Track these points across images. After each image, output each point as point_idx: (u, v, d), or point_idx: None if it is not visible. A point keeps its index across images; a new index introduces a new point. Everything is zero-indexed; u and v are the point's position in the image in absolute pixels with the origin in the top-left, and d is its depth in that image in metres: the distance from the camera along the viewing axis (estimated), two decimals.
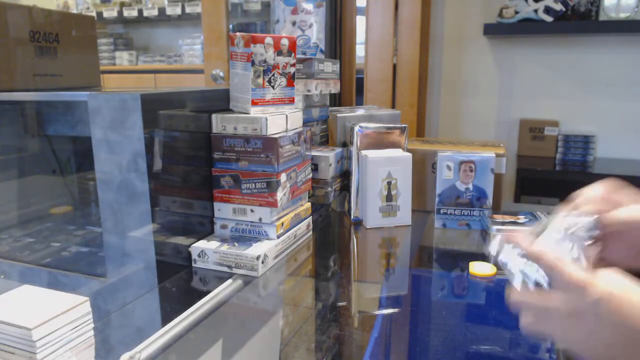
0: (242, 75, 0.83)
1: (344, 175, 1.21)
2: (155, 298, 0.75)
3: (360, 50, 2.07)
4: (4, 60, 0.96)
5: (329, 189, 1.12)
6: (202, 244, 0.82)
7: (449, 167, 0.99)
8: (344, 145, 1.22)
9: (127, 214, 0.75)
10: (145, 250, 0.75)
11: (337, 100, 2.04)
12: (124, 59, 3.58)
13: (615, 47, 2.04)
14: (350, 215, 1.07)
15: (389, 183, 1.01)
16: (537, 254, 0.48)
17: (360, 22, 2.02)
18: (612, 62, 2.05)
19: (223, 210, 0.86)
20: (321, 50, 1.17)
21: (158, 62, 3.51)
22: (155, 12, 3.39)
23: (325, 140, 1.28)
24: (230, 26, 2.41)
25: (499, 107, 2.25)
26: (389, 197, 1.01)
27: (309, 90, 1.10)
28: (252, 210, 0.84)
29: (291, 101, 0.90)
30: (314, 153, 1.10)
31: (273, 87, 0.85)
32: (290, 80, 0.88)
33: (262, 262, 0.79)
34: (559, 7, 1.94)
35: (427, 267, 0.91)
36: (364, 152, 1.02)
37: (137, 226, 0.75)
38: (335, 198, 1.17)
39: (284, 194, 0.84)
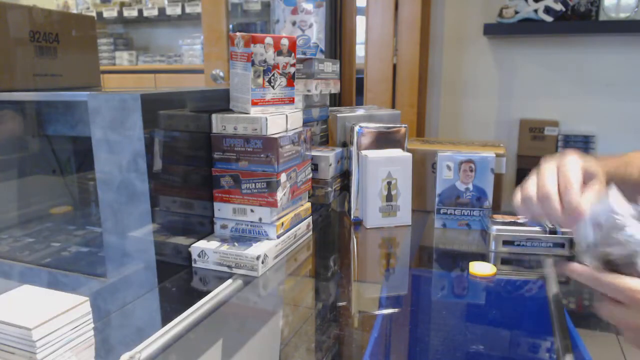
0: (242, 75, 0.83)
1: (344, 175, 1.21)
2: (155, 298, 0.75)
3: (360, 50, 2.07)
4: (4, 60, 0.96)
5: (329, 189, 1.12)
6: (202, 244, 0.82)
7: (449, 167, 0.99)
8: (344, 145, 1.22)
9: (127, 214, 0.75)
10: (145, 250, 0.75)
11: (337, 100, 2.03)
12: (124, 59, 3.58)
13: (615, 47, 2.04)
14: (350, 215, 1.07)
15: (389, 183, 1.01)
16: (595, 280, 0.49)
17: (360, 22, 2.02)
18: (612, 62, 2.05)
19: (223, 210, 0.86)
20: (321, 50, 1.17)
21: (158, 62, 3.51)
22: (155, 12, 3.39)
23: (325, 140, 1.28)
24: (230, 26, 2.41)
25: (499, 107, 2.25)
26: (389, 197, 1.01)
27: (309, 90, 1.10)
28: (252, 210, 0.84)
29: (291, 101, 0.90)
30: (314, 153, 1.10)
31: (273, 87, 0.85)
32: (290, 80, 0.88)
33: (262, 262, 0.79)
34: (559, 7, 1.94)
35: (427, 267, 0.91)
36: (364, 152, 1.02)
37: (137, 226, 0.75)
38: (335, 198, 1.17)
39: (284, 194, 0.84)
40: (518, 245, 0.89)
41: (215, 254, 0.80)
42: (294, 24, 1.14)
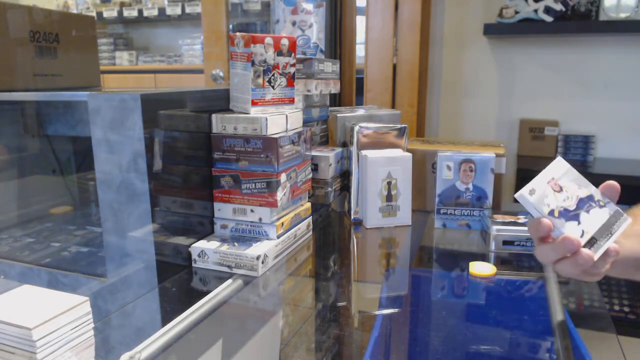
0: (242, 75, 0.83)
1: (344, 175, 1.21)
2: (155, 298, 0.75)
3: (360, 50, 2.07)
4: (4, 60, 0.96)
5: (329, 189, 1.12)
6: (202, 244, 0.82)
7: (449, 167, 0.99)
8: (344, 145, 1.22)
9: (127, 214, 0.75)
10: (145, 250, 0.75)
11: (337, 100, 2.03)
12: (124, 59, 3.58)
13: (615, 47, 2.04)
14: (350, 215, 1.07)
15: (389, 183, 1.01)
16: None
17: (360, 22, 2.02)
18: (612, 62, 2.05)
19: (223, 210, 0.86)
20: (321, 50, 1.17)
21: (158, 62, 3.51)
22: (155, 12, 3.39)
23: (325, 140, 1.27)
24: (230, 26, 2.41)
25: (499, 107, 2.25)
26: (389, 197, 1.01)
27: (309, 90, 1.10)
28: (252, 210, 0.84)
29: (291, 101, 0.90)
30: (314, 153, 1.10)
31: (273, 87, 0.85)
32: (290, 80, 0.88)
33: (262, 262, 0.79)
34: (559, 7, 1.94)
35: (427, 267, 0.91)
36: (364, 152, 1.02)
37: (137, 226, 0.75)
38: (335, 198, 1.17)
39: (284, 194, 0.84)
40: (518, 245, 0.89)
41: (215, 254, 0.80)
42: (294, 24, 1.14)
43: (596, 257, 0.51)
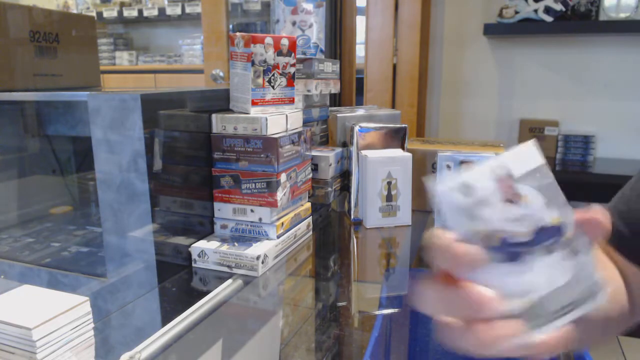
0: (242, 75, 0.83)
1: (344, 175, 1.21)
2: (155, 298, 0.75)
3: (360, 50, 2.07)
4: (4, 60, 0.96)
5: (329, 189, 1.12)
6: (202, 244, 0.82)
7: (449, 167, 0.99)
8: (344, 145, 1.22)
9: (127, 214, 0.75)
10: (145, 250, 0.75)
11: (337, 100, 2.04)
12: (124, 59, 3.58)
13: (615, 47, 2.04)
14: (350, 215, 1.07)
15: (389, 183, 1.01)
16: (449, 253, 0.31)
17: (360, 22, 2.03)
18: (612, 62, 2.05)
19: (223, 210, 0.86)
20: (321, 50, 1.17)
21: (158, 62, 3.51)
22: (155, 12, 3.40)
23: (325, 140, 1.28)
24: (230, 26, 2.41)
25: (499, 107, 2.25)
26: (389, 197, 1.01)
27: (309, 90, 1.10)
28: (252, 210, 0.84)
29: (291, 101, 0.90)
30: (314, 153, 1.10)
31: (273, 87, 0.85)
32: (290, 80, 0.88)
33: (262, 262, 0.79)
34: (559, 7, 1.94)
35: (427, 267, 0.91)
36: (364, 152, 1.02)
37: (137, 226, 0.75)
38: (335, 198, 1.17)
39: (284, 194, 0.84)
40: None
41: (215, 254, 0.80)
42: (294, 24, 1.14)
43: (522, 341, 0.28)
